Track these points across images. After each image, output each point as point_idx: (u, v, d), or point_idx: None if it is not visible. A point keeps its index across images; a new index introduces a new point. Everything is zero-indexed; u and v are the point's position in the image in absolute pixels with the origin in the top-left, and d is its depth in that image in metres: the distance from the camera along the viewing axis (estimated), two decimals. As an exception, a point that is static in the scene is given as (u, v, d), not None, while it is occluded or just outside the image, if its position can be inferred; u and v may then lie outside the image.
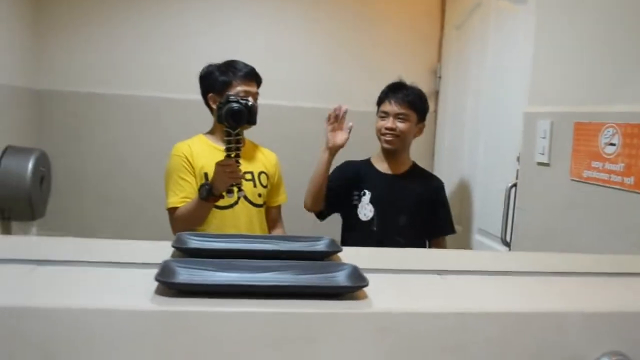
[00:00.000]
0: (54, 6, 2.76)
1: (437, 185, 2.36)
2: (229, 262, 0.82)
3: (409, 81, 2.29)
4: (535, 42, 1.83)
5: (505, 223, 1.98)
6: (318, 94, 2.96)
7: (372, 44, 3.01)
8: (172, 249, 0.90)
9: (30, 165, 2.29)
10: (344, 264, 0.83)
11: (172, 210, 1.97)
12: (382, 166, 2.31)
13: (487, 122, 2.44)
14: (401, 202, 2.26)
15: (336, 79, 2.98)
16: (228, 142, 1.76)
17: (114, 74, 2.85)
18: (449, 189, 2.47)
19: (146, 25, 2.85)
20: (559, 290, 0.84)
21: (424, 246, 2.29)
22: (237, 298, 0.71)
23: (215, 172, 1.81)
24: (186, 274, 0.78)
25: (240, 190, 1.84)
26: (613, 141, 1.45)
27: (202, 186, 1.86)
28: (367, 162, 2.34)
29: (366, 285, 0.75)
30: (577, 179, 1.56)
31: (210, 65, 2.05)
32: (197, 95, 2.09)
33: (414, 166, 2.35)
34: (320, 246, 0.96)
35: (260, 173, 2.09)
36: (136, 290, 0.73)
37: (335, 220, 2.34)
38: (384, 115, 2.25)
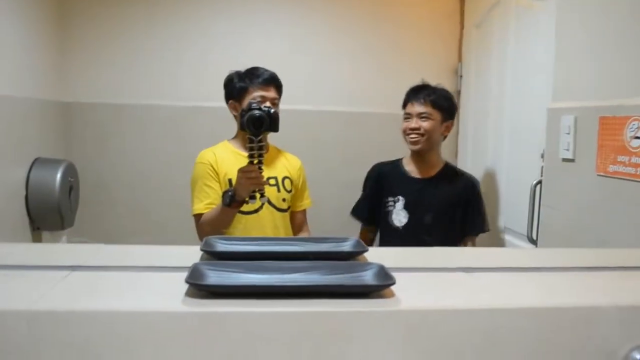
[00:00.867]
0: (78, 21, 2.80)
1: (467, 184, 2.33)
2: (257, 263, 0.83)
3: (431, 82, 2.29)
4: (556, 37, 1.82)
5: (531, 220, 1.96)
6: (341, 98, 2.97)
7: (393, 46, 3.01)
8: (201, 252, 0.91)
9: (58, 176, 2.34)
10: (371, 264, 0.83)
11: (197, 217, 1.99)
12: (412, 169, 2.30)
13: (510, 119, 2.42)
14: (433, 207, 2.24)
15: (358, 82, 2.99)
16: (250, 149, 1.78)
17: (138, 84, 2.89)
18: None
19: (169, 35, 2.88)
20: (588, 284, 0.84)
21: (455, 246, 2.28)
22: (266, 299, 0.72)
23: (238, 179, 1.83)
24: (215, 276, 0.79)
25: (262, 196, 1.85)
26: (639, 135, 1.44)
27: (225, 192, 1.88)
28: (397, 165, 2.34)
29: (393, 284, 0.75)
30: (603, 174, 1.55)
31: (231, 72, 2.08)
32: (221, 103, 2.12)
33: (446, 166, 2.33)
34: (347, 246, 0.97)
35: (284, 178, 2.10)
36: (168, 293, 0.74)
37: (355, 223, 2.35)
38: (408, 116, 2.25)
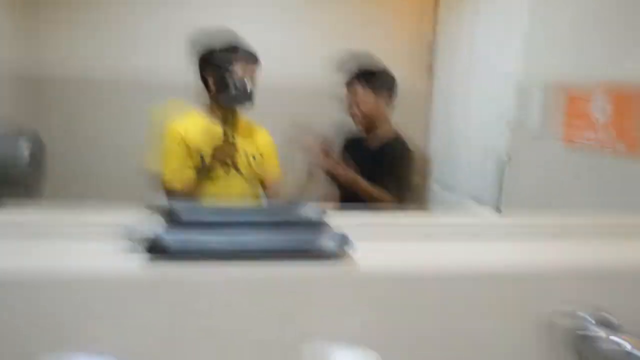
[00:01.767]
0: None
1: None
2: (216, 226, 0.82)
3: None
4: (528, 12, 1.82)
5: (498, 190, 1.98)
6: (313, 70, 2.94)
7: (367, 20, 2.99)
8: (160, 217, 0.90)
9: (21, 146, 2.29)
10: (330, 228, 0.83)
11: (165, 185, 2.00)
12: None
13: (477, 90, 2.44)
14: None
15: (332, 56, 2.96)
16: (225, 123, 1.77)
17: (102, 58, 2.85)
18: (443, 156, 2.50)
19: (139, 5, 2.83)
20: (548, 250, 0.85)
21: None
22: (224, 260, 0.71)
23: (213, 156, 1.85)
24: (172, 239, 0.78)
25: (235, 168, 1.87)
26: (604, 108, 1.45)
27: (199, 170, 1.90)
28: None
29: (351, 248, 0.75)
30: (570, 146, 1.56)
31: (208, 44, 2.06)
32: (189, 76, 2.08)
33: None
34: (305, 211, 0.96)
35: (253, 149, 2.10)
36: (123, 257, 0.73)
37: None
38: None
